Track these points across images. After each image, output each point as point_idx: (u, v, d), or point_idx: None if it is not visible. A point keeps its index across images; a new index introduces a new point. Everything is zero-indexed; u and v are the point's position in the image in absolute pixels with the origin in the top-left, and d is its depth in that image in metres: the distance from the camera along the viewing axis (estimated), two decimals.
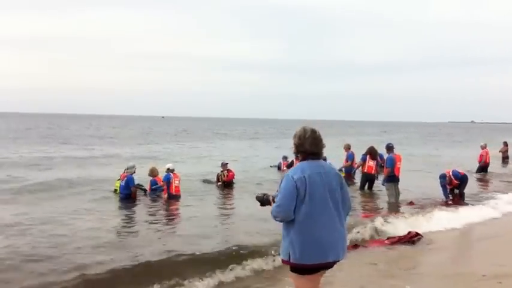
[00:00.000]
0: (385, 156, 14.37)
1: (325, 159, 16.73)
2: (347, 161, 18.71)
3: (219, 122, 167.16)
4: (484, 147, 22.42)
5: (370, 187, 15.93)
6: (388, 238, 9.66)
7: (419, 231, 9.86)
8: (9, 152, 28.16)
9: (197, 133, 67.41)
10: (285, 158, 20.96)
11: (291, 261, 4.23)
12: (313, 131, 4.39)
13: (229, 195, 15.25)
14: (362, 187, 15.98)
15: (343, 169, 18.66)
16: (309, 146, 4.33)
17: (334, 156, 19.47)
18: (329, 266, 4.31)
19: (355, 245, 8.99)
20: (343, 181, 4.42)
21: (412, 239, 9.47)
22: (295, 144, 4.42)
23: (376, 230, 10.16)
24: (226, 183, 16.53)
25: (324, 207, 4.20)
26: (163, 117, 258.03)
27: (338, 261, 4.29)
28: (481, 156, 22.19)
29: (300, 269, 4.26)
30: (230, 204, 13.88)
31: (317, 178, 4.23)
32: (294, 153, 4.45)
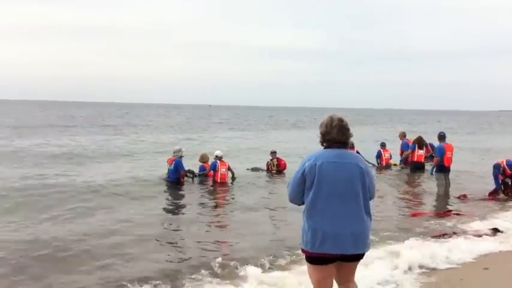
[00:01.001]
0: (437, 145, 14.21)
1: (384, 145, 16.60)
2: (402, 151, 18.48)
3: (267, 110, 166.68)
4: None
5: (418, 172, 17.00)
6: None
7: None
8: (61, 141, 28.98)
9: (243, 121, 67.62)
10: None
11: (302, 246, 4.26)
12: (340, 120, 4.28)
13: (279, 185, 14.61)
14: (412, 171, 17.10)
15: (401, 161, 18.44)
16: (336, 134, 4.24)
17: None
18: (348, 258, 4.19)
19: None
20: (366, 171, 4.26)
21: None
22: (321, 133, 4.31)
23: None
24: (278, 172, 16.38)
25: (334, 196, 4.11)
26: (210, 105, 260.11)
27: (358, 254, 4.19)
28: None
29: (307, 257, 4.26)
30: (278, 195, 13.20)
31: (330, 167, 4.14)
32: (320, 142, 4.35)
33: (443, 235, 8.85)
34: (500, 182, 13.02)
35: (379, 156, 18.49)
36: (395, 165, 18.67)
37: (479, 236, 8.79)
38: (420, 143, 17.24)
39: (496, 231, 9.09)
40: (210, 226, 9.93)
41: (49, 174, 15.55)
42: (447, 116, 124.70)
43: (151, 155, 22.14)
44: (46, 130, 37.98)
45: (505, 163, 13.03)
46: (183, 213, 11.35)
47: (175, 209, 11.94)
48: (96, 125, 47.86)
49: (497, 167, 12.99)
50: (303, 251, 4.26)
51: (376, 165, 18.32)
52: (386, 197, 13.08)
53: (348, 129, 4.29)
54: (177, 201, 12.62)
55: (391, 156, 18.93)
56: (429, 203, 12.72)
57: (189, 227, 9.78)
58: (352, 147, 17.81)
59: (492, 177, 13.09)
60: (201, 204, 12.10)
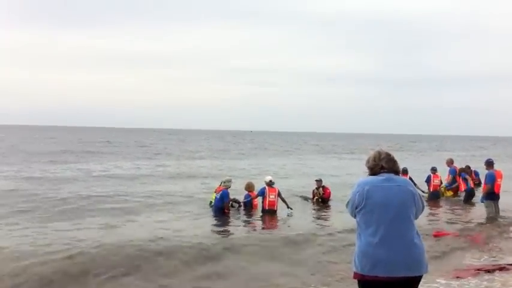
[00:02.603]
0: (482, 172, 14.08)
1: (435, 170, 15.92)
2: (449, 176, 18.32)
3: (308, 135, 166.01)
4: None
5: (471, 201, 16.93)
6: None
7: None
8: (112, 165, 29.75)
9: (287, 147, 67.44)
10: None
11: (354, 270, 4.27)
12: (388, 154, 4.47)
13: (327, 216, 14.21)
14: (465, 201, 16.92)
15: (446, 186, 18.17)
16: (385, 163, 4.38)
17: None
18: (402, 284, 4.13)
19: None
20: (417, 194, 4.35)
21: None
22: (369, 167, 4.45)
23: None
24: (322, 200, 15.81)
25: (385, 220, 4.16)
26: (251, 131, 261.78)
27: (412, 279, 4.15)
28: None
29: (359, 281, 4.25)
30: (324, 227, 12.54)
31: (379, 191, 4.24)
32: (369, 175, 4.45)
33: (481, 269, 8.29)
34: None
35: (428, 181, 18.30)
36: (452, 196, 18.09)
37: None
38: (467, 170, 17.64)
39: None
40: (252, 256, 9.60)
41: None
42: (489, 142, 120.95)
43: (195, 180, 22.29)
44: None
45: None
46: (224, 241, 10.82)
47: (217, 236, 11.45)
48: (137, 151, 48.52)
49: None
50: (355, 275, 4.26)
51: (426, 191, 18.11)
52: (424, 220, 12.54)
53: (395, 162, 4.44)
54: (220, 228, 12.30)
55: (441, 182, 18.53)
56: (475, 229, 12.46)
57: (230, 256, 9.56)
58: (406, 173, 17.69)
59: None
60: (245, 232, 11.71)
